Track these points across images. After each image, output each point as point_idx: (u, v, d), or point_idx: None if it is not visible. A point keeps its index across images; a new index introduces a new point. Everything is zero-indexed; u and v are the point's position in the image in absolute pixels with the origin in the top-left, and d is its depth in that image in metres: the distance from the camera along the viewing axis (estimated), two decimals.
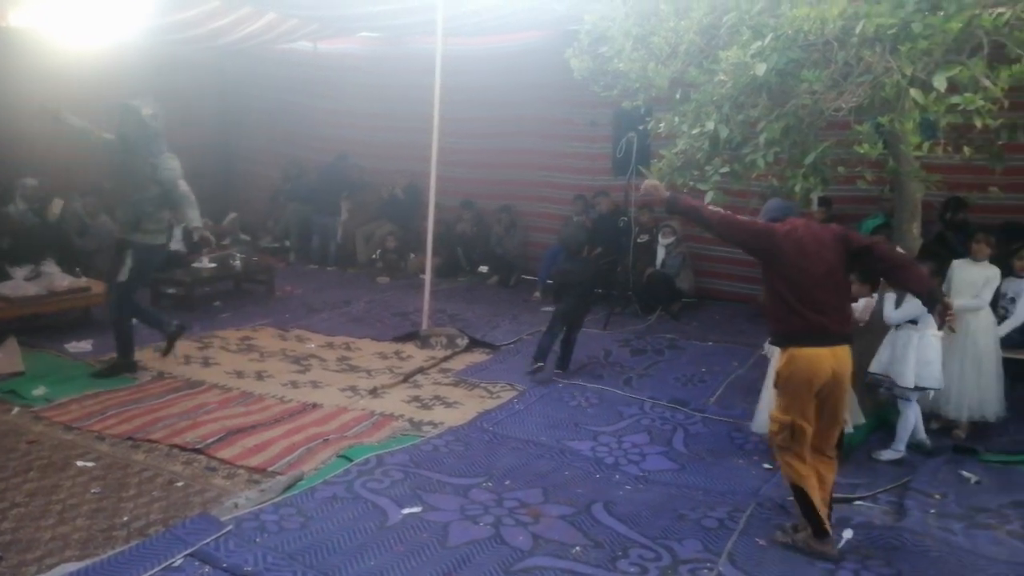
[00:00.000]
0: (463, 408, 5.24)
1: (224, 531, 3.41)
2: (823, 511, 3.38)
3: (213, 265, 8.28)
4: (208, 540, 3.34)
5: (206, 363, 6.07)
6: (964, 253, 5.08)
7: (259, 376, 5.82)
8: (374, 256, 10.04)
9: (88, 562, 3.19)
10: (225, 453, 4.35)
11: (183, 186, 5.40)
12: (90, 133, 5.49)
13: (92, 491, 3.89)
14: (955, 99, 3.22)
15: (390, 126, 10.34)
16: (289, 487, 3.95)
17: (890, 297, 4.59)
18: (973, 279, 4.86)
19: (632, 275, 7.92)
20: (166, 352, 5.92)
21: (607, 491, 4.04)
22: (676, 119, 4.23)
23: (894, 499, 4.01)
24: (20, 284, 6.59)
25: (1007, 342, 4.97)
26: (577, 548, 3.44)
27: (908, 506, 3.90)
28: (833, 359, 3.35)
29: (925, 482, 4.20)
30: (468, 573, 3.23)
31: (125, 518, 3.64)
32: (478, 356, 6.53)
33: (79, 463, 4.20)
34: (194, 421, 4.79)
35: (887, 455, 4.49)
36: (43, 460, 4.24)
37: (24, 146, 8.13)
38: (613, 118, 7.79)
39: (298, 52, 10.43)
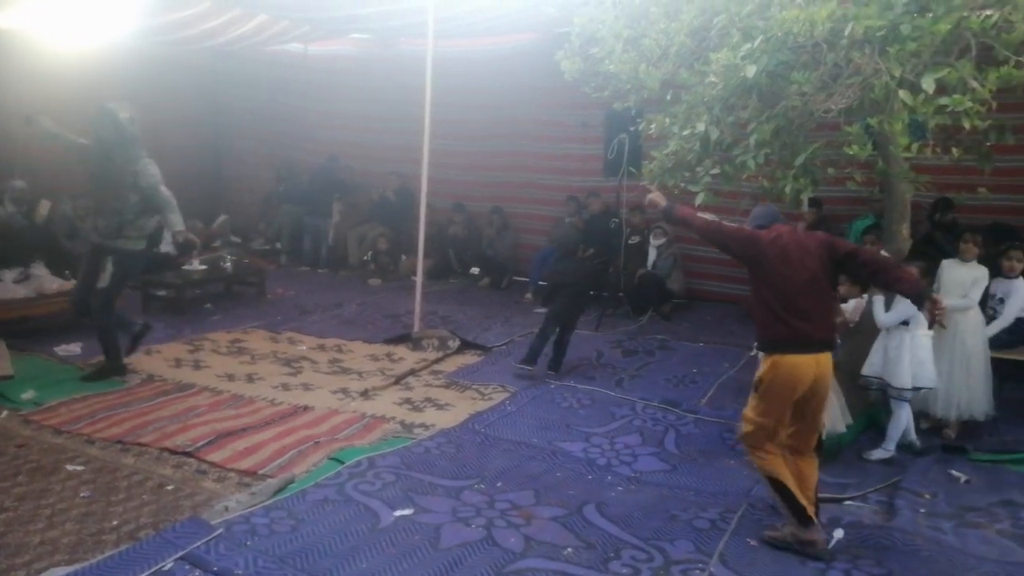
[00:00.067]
0: (455, 410, 5.23)
1: (214, 534, 3.40)
2: (802, 498, 3.40)
3: (203, 267, 8.27)
4: (198, 543, 3.32)
5: (196, 366, 6.04)
6: (952, 253, 5.12)
7: (250, 379, 5.80)
8: (366, 258, 10.03)
9: (78, 566, 3.17)
10: (215, 456, 4.33)
11: (164, 191, 5.37)
12: (63, 138, 5.43)
13: (82, 495, 3.86)
14: (944, 100, 3.25)
15: (381, 128, 10.33)
16: (280, 490, 3.94)
17: (879, 300, 4.62)
18: (961, 279, 4.90)
19: (623, 276, 7.94)
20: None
21: (599, 492, 4.05)
22: (667, 120, 4.24)
23: (884, 499, 4.03)
24: (8, 287, 6.56)
25: (995, 342, 5.00)
26: (569, 549, 3.44)
27: (898, 505, 3.92)
28: (815, 366, 3.40)
29: (915, 481, 4.22)
30: (460, 575, 3.22)
31: (115, 522, 3.61)
32: (470, 358, 6.52)
33: (68, 467, 4.18)
34: (184, 424, 4.77)
35: (877, 455, 4.51)
36: (32, 464, 4.21)
37: (12, 148, 8.08)
38: (604, 119, 7.78)
39: (290, 54, 10.41)
